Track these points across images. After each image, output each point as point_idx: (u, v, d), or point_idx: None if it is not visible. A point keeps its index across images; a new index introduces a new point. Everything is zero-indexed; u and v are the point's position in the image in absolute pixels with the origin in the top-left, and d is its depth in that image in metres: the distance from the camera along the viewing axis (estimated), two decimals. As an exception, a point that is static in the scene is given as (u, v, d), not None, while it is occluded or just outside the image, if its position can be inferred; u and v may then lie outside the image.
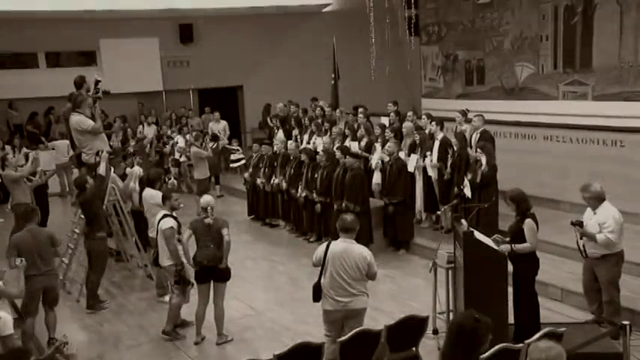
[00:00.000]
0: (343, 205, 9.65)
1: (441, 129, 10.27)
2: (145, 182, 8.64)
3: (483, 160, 8.96)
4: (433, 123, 10.36)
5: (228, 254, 6.97)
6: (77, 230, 9.05)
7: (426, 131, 10.59)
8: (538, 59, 13.57)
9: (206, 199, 7.07)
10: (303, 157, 10.98)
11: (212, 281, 7.00)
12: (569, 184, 11.76)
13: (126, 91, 16.39)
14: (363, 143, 11.24)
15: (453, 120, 10.89)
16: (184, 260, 7.10)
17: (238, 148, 15.71)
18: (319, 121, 12.50)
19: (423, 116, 11.04)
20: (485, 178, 8.94)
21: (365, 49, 13.55)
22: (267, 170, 11.92)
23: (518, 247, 6.33)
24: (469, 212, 7.22)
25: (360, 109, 12.25)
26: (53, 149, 14.25)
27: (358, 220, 5.67)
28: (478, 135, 10.02)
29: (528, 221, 6.33)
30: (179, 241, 7.08)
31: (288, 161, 11.46)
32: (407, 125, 10.85)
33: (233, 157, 15.52)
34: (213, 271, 6.93)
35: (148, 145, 13.81)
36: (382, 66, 14.00)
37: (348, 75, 15.78)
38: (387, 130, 10.84)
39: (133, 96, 17.47)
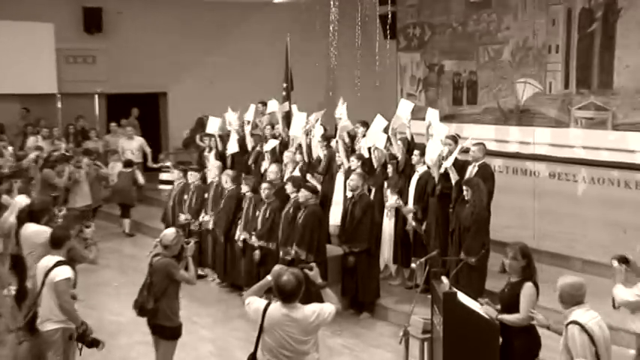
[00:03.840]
0: (292, 252, 9.68)
1: (424, 161, 10.40)
2: (26, 216, 8.43)
3: (469, 194, 9.12)
4: (416, 152, 10.54)
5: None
6: None
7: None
8: (545, 75, 13.83)
9: (164, 232, 7.49)
10: (244, 188, 10.99)
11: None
12: (581, 236, 11.98)
13: (5, 92, 16.12)
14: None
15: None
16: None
17: (169, 165, 15.62)
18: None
19: (399, 141, 11.16)
20: (471, 221, 9.05)
21: (327, 53, 13.67)
22: (193, 204, 11.88)
23: (505, 317, 6.34)
24: (453, 266, 7.29)
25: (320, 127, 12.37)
26: None
27: (302, 281, 5.61)
28: (476, 169, 10.16)
29: (529, 286, 6.32)
30: (74, 298, 7.14)
31: (223, 193, 11.46)
32: (377, 154, 10.96)
33: (163, 176, 15.41)
34: (154, 325, 7.26)
35: (34, 166, 13.54)
36: (349, 76, 14.14)
37: (305, 85, 15.90)
38: (352, 159, 10.97)
39: (14, 99, 17.09)
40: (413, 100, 14.88)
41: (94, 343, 7.14)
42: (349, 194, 10.32)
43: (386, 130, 11.28)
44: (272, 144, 12.65)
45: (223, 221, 11.24)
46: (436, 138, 10.38)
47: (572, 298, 5.61)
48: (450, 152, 10.15)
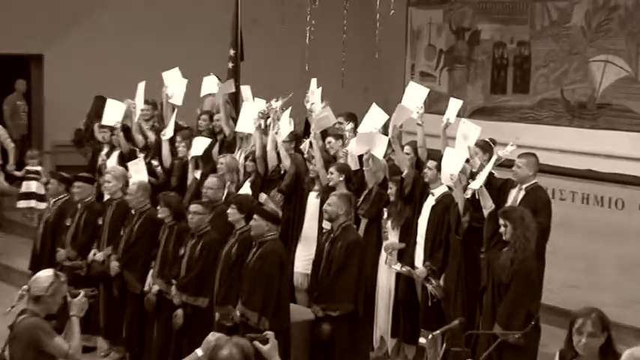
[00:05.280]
0: (237, 314, 9.81)
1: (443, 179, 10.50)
2: None
3: (507, 232, 9.18)
4: (431, 164, 10.59)
5: None
6: None
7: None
8: (637, 52, 13.94)
9: (36, 275, 7.46)
10: (162, 211, 11.07)
11: None
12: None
13: None
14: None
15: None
16: None
17: (40, 170, 15.64)
18: None
19: (406, 147, 11.28)
20: (511, 275, 9.14)
21: (300, 6, 13.71)
22: (80, 234, 11.98)
23: None
24: (484, 345, 7.40)
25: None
26: None
27: (251, 358, 5.70)
28: (522, 193, 10.25)
29: None
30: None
31: (128, 218, 11.59)
32: (371, 165, 11.07)
33: (31, 187, 15.49)
34: None
35: None
36: (332, 43, 14.19)
37: (264, 54, 16.13)
38: (332, 171, 11.08)
39: None
40: (429, 83, 15.03)
41: None
42: (326, 226, 10.44)
43: (386, 130, 11.41)
44: (201, 145, 12.67)
45: (139, 262, 11.30)
46: (461, 143, 10.47)
47: None
48: (482, 166, 10.22)
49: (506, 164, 10.43)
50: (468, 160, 10.25)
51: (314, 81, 12.65)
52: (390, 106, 11.61)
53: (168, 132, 13.27)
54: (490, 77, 15.82)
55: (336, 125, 12.29)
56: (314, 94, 12.49)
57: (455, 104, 11.20)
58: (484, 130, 10.72)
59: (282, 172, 11.85)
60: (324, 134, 12.14)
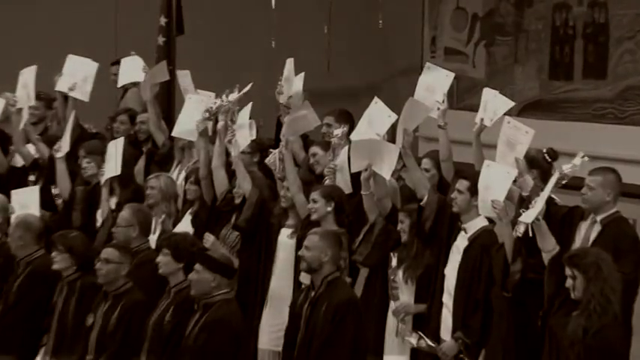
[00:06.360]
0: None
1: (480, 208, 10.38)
2: None
3: (578, 287, 9.07)
4: (463, 185, 10.47)
5: None
6: None
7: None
8: None
9: None
10: (59, 260, 10.97)
11: None
12: None
13: None
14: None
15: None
16: None
17: None
18: None
19: (425, 161, 11.26)
20: (583, 349, 9.04)
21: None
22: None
23: None
24: None
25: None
26: None
27: None
28: (597, 228, 10.11)
29: None
30: None
31: (10, 269, 11.59)
32: (374, 189, 11.00)
33: None
34: None
35: None
36: (315, 8, 14.26)
37: (212, 25, 16.22)
38: (315, 198, 11.01)
39: None
40: (458, 64, 15.07)
41: None
42: (304, 280, 10.37)
43: (394, 135, 11.34)
44: (111, 167, 12.53)
45: (20, 335, 11.27)
46: (506, 155, 10.35)
47: None
48: (538, 189, 10.09)
49: (572, 185, 10.17)
50: (515, 180, 10.11)
51: (290, 62, 12.60)
52: (399, 101, 11.50)
53: (64, 144, 13.05)
54: (549, 56, 15.86)
55: (322, 129, 12.25)
56: (290, 82, 12.44)
57: (494, 98, 11.09)
58: (540, 135, 10.58)
59: (238, 199, 11.76)
60: (306, 142, 12.09)
